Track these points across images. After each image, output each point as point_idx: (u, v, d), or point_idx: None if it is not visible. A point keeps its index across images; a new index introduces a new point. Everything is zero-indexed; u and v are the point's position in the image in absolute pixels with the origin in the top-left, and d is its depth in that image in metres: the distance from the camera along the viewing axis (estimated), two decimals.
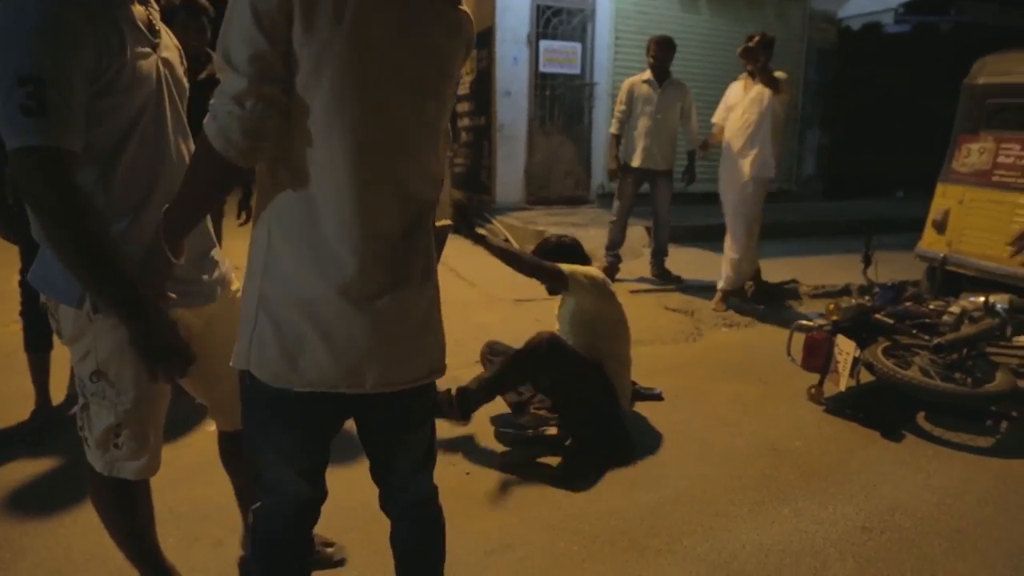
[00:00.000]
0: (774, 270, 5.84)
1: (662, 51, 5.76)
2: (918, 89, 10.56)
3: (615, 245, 6.03)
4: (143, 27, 1.61)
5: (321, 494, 1.55)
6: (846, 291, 5.63)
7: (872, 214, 8.81)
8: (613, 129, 5.95)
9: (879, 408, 3.45)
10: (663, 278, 5.97)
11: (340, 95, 1.27)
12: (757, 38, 4.86)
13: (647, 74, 5.81)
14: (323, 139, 1.28)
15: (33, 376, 3.31)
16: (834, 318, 3.51)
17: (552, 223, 7.63)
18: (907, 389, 3.28)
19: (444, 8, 1.37)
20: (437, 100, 1.41)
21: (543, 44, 8.24)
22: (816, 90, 10.07)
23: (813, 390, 3.57)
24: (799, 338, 3.63)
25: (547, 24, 8.27)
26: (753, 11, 9.13)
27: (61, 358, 3.30)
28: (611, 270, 5.97)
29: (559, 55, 8.31)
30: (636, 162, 5.84)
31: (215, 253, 1.86)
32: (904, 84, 10.66)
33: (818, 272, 6.20)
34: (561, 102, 8.54)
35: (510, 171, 8.42)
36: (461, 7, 1.42)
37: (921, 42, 11.00)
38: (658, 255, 6.06)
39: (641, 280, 6.01)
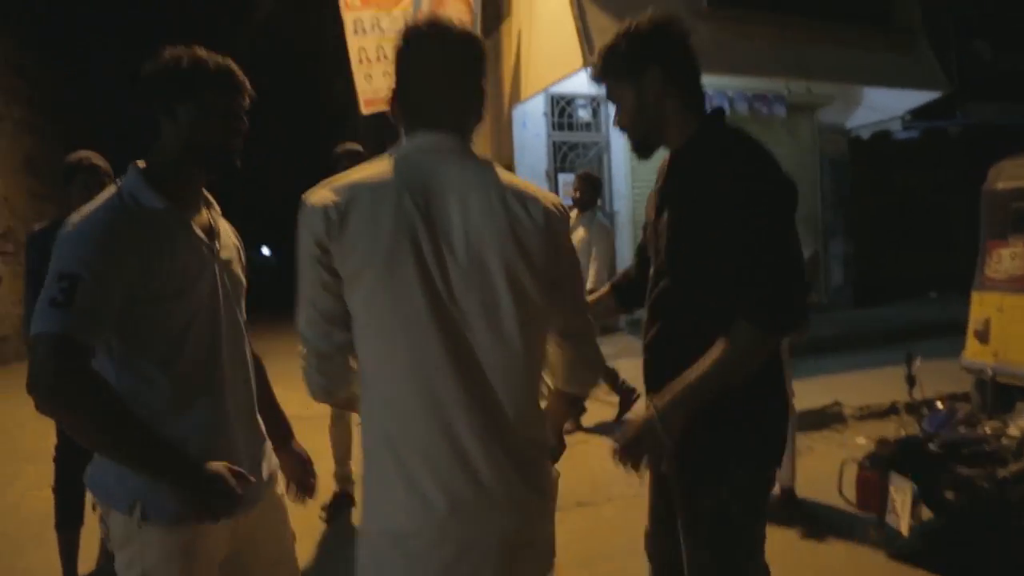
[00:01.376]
0: (812, 391, 5.70)
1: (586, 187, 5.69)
2: (934, 190, 10.68)
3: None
4: (202, 233, 1.71)
5: None
6: (893, 410, 5.47)
7: (907, 319, 8.71)
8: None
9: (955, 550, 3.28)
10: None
11: (386, 329, 1.35)
12: None
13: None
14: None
15: (62, 554, 3.33)
16: (884, 453, 3.40)
17: None
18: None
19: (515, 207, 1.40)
20: (518, 307, 1.38)
21: (561, 177, 8.50)
22: (833, 200, 10.20)
23: (874, 532, 3.41)
24: (850, 473, 3.51)
25: (564, 159, 8.57)
26: (764, 128, 9.36)
27: (90, 531, 3.32)
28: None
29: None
30: None
31: (267, 447, 1.87)
32: (920, 186, 10.80)
33: (860, 390, 6.04)
34: None
35: None
36: (541, 202, 1.43)
37: (931, 145, 11.21)
38: None
39: None
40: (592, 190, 5.74)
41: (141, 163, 1.67)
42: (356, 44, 7.99)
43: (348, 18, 7.98)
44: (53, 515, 3.33)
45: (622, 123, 1.86)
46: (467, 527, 1.35)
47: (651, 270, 1.90)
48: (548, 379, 1.60)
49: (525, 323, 1.38)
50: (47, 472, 3.50)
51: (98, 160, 3.38)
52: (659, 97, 1.76)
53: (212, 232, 1.74)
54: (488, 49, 7.26)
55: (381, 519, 1.38)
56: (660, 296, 1.83)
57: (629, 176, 8.74)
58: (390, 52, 7.45)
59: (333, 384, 1.43)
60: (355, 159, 4.16)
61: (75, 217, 1.57)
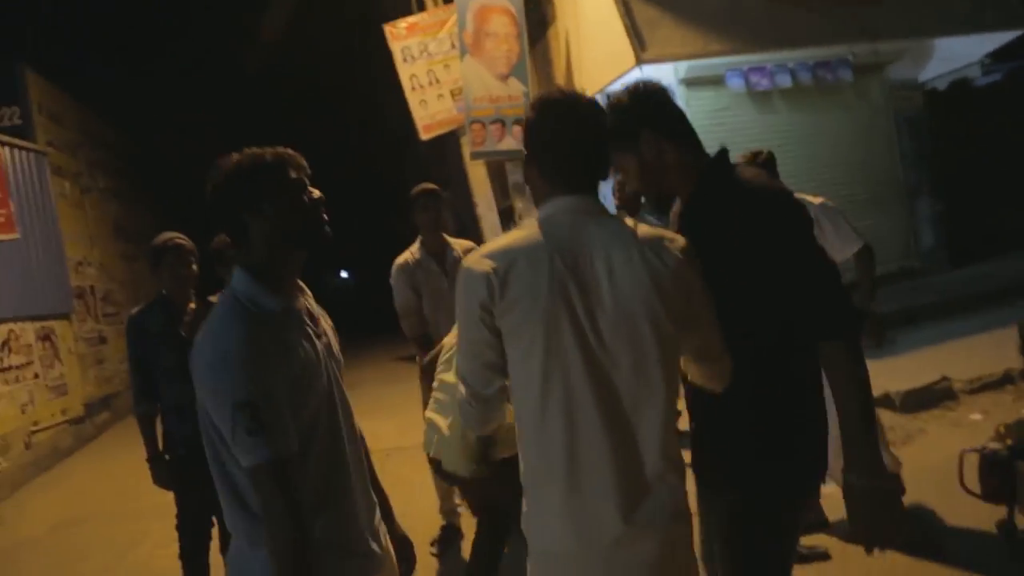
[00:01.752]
0: (914, 367, 5.45)
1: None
2: None
3: None
4: (308, 319, 1.77)
5: None
6: (1008, 379, 5.18)
7: (1010, 277, 8.21)
8: None
9: None
10: None
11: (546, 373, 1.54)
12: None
13: None
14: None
15: None
16: (1009, 441, 3.20)
17: None
18: None
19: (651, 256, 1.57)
20: (661, 348, 1.56)
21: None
22: (913, 159, 9.71)
23: (1003, 525, 3.22)
24: (971, 462, 3.31)
25: None
26: (829, 96, 9.03)
27: None
28: None
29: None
30: None
31: (379, 516, 1.91)
32: (1009, 133, 10.15)
33: (967, 360, 5.71)
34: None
35: None
36: (673, 249, 1.60)
37: (1017, 87, 10.53)
38: None
39: None
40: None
41: (242, 265, 1.70)
42: (407, 72, 8.10)
43: (396, 48, 8.10)
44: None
45: (634, 187, 2.03)
46: (612, 551, 1.52)
47: None
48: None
49: (666, 361, 1.57)
50: (172, 527, 3.68)
51: (183, 240, 3.53)
52: (657, 155, 1.89)
53: (313, 319, 1.80)
54: (536, 57, 7.23)
55: (541, 542, 1.60)
56: None
57: None
58: (441, 75, 7.55)
59: (489, 420, 1.73)
60: (433, 199, 4.20)
61: (209, 339, 1.61)
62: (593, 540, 1.52)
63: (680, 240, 1.65)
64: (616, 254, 1.55)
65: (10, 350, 8.56)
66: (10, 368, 8.50)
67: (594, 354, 1.53)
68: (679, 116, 1.95)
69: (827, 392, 1.83)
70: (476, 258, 1.59)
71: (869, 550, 1.73)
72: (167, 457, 3.52)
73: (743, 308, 1.76)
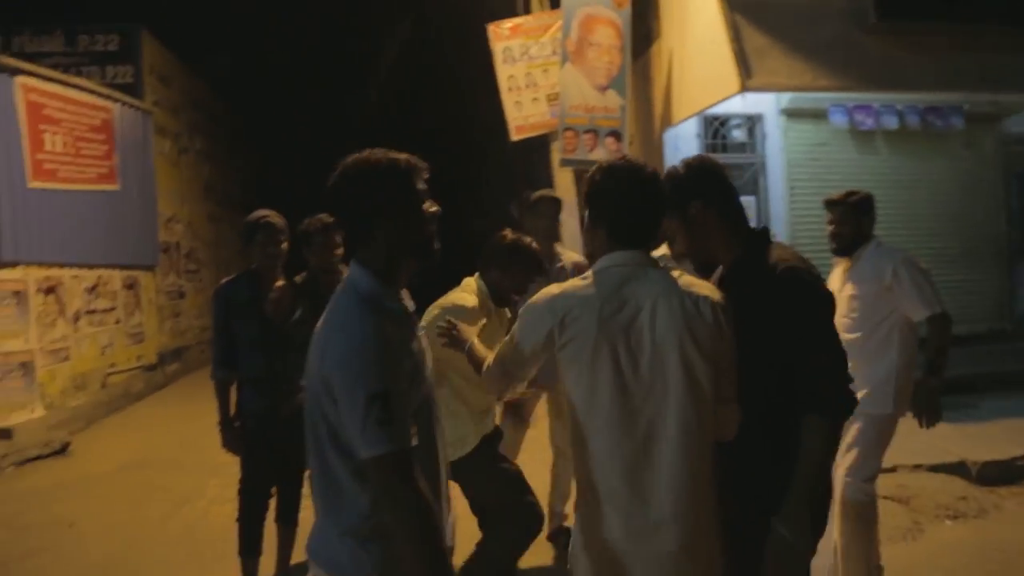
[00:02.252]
0: (996, 437, 5.21)
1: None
2: None
3: None
4: (415, 320, 1.85)
5: None
6: None
7: None
8: None
9: None
10: None
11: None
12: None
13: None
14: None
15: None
16: None
17: None
18: None
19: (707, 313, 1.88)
20: (689, 385, 1.86)
21: None
22: (1020, 217, 9.28)
23: None
24: None
25: None
26: (935, 143, 8.69)
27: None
28: None
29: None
30: None
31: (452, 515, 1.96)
32: None
33: None
34: None
35: None
36: (710, 300, 1.89)
37: None
38: None
39: None
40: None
41: (361, 264, 1.75)
42: (506, 72, 8.14)
43: (498, 48, 8.14)
44: (235, 534, 3.63)
45: (680, 250, 2.44)
46: (641, 547, 1.84)
47: None
48: None
49: (695, 398, 1.85)
50: (229, 486, 3.81)
51: (275, 219, 3.63)
52: (702, 225, 2.16)
53: (415, 319, 1.88)
54: (637, 72, 7.16)
55: (592, 531, 1.89)
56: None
57: (787, 198, 8.35)
58: (539, 79, 7.57)
59: (505, 394, 2.58)
60: (552, 206, 4.28)
61: (340, 331, 1.66)
62: (625, 537, 1.84)
63: (716, 293, 1.93)
64: (660, 303, 1.85)
65: (97, 294, 8.98)
66: (95, 311, 8.91)
67: (630, 391, 1.84)
68: (730, 193, 2.20)
69: None
70: (547, 299, 1.93)
71: None
72: (236, 424, 3.64)
73: (759, 368, 2.01)
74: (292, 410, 3.27)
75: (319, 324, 1.74)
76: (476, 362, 2.38)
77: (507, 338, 2.08)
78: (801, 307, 2.03)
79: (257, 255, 3.63)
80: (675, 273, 1.93)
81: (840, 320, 3.14)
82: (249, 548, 3.61)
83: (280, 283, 3.68)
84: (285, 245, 3.68)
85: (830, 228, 3.56)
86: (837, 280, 3.61)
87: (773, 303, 2.04)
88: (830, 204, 3.58)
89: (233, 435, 3.60)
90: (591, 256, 2.21)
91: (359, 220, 1.74)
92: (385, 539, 1.68)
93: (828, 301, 2.12)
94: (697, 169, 2.20)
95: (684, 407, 1.84)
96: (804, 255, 2.21)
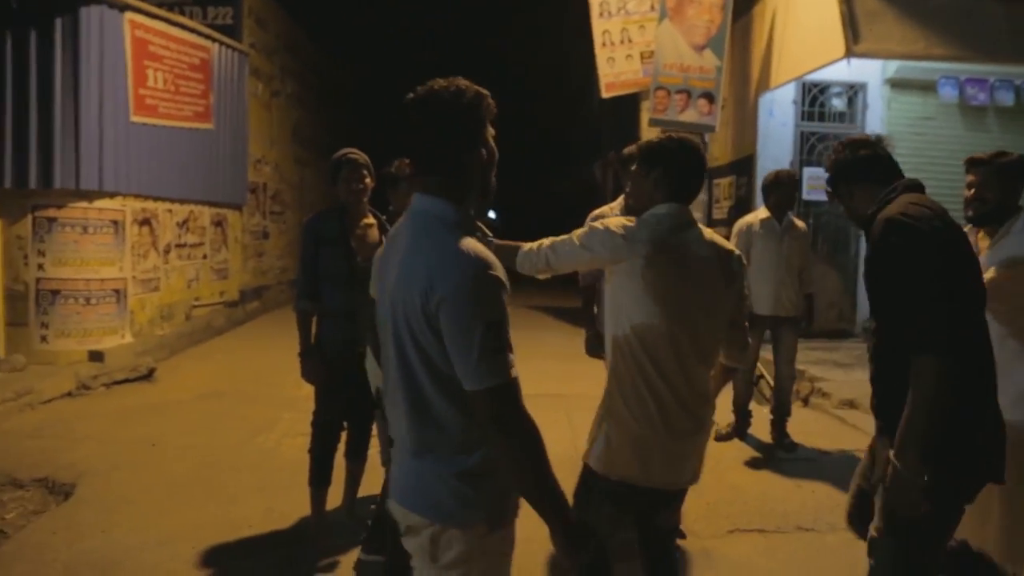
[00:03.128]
0: None
1: (780, 189, 5.16)
2: None
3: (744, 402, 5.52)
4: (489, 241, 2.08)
5: None
6: None
7: None
8: None
9: None
10: (783, 446, 5.24)
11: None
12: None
13: (763, 212, 5.25)
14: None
15: (313, 505, 3.74)
16: None
17: (812, 360, 7.14)
18: None
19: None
20: (719, 314, 2.49)
21: (807, 171, 7.95)
22: None
23: None
24: None
25: (811, 150, 8.00)
26: None
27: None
28: (742, 432, 5.50)
29: (824, 182, 7.94)
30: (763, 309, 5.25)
31: None
32: None
33: None
34: (826, 230, 8.13)
35: None
36: (734, 254, 2.53)
37: None
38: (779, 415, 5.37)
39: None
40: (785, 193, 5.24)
41: (449, 199, 1.71)
42: (601, 27, 7.98)
43: (595, 1, 7.97)
44: (306, 465, 3.73)
45: (634, 204, 2.77)
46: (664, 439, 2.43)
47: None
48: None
49: (719, 330, 2.50)
50: (301, 420, 3.92)
51: (357, 155, 3.66)
52: (848, 198, 2.47)
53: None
54: (736, 33, 6.91)
55: (623, 426, 2.45)
56: (873, 334, 2.41)
57: None
58: (635, 35, 7.41)
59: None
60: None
61: (455, 262, 1.59)
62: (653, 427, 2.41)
63: (737, 252, 2.54)
64: (704, 246, 2.44)
65: (188, 229, 9.32)
66: (185, 245, 9.26)
67: (679, 311, 2.37)
68: (883, 165, 2.39)
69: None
70: (622, 224, 2.43)
71: (898, 521, 2.17)
72: (316, 356, 3.72)
73: (886, 312, 2.26)
74: (371, 345, 3.33)
75: (402, 252, 1.70)
76: (508, 248, 2.60)
77: (568, 237, 2.51)
78: (894, 259, 2.16)
79: (343, 191, 3.67)
80: (707, 230, 2.53)
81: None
82: (319, 479, 3.71)
83: (367, 220, 3.72)
84: (369, 181, 3.71)
85: (969, 193, 3.04)
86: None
87: (876, 256, 2.23)
88: (973, 164, 3.05)
89: (314, 365, 3.67)
90: (641, 204, 2.56)
91: (454, 154, 1.71)
92: (495, 475, 1.68)
93: (927, 249, 2.13)
94: (866, 148, 2.42)
95: (714, 342, 2.50)
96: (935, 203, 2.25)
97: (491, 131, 1.76)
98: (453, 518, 1.67)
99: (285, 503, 4.13)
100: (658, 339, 2.36)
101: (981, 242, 3.08)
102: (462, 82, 1.71)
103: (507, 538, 1.77)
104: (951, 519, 2.25)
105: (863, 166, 2.41)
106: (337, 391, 3.67)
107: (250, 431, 5.53)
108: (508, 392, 1.58)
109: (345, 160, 3.65)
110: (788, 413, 5.38)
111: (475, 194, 1.76)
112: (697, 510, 4.09)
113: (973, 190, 3.01)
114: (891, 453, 2.11)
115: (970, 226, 3.10)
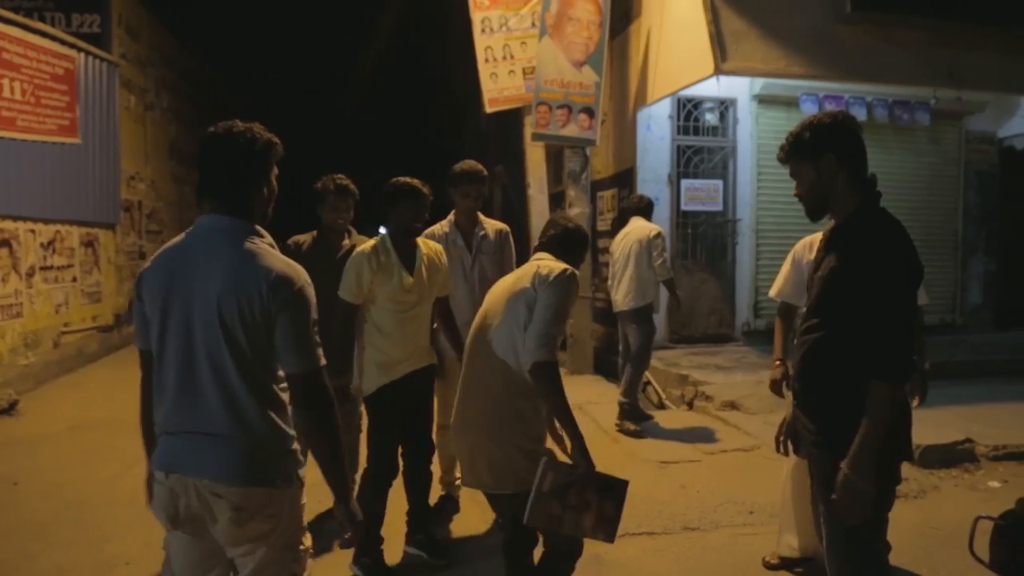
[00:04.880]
0: (940, 423, 5.35)
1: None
2: None
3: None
4: None
5: None
6: None
7: None
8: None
9: None
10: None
11: None
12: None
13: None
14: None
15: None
16: None
17: (695, 364, 7.44)
18: None
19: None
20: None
21: (684, 183, 8.30)
22: (977, 214, 9.50)
23: None
24: (984, 529, 3.24)
25: (688, 163, 8.36)
26: (901, 137, 8.84)
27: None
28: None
29: (701, 193, 8.32)
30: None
31: None
32: None
33: (996, 425, 5.60)
34: (703, 239, 8.49)
35: None
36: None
37: None
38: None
39: None
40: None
41: (229, 215, 2.09)
42: (484, 43, 8.07)
43: (476, 17, 8.06)
44: None
45: (800, 194, 2.42)
46: None
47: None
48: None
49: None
50: None
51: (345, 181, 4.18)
52: (831, 177, 2.32)
53: None
54: (614, 50, 7.15)
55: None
56: (808, 331, 2.41)
57: (754, 183, 8.43)
58: (516, 51, 7.55)
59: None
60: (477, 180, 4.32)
61: (277, 270, 2.02)
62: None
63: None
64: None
65: (54, 251, 8.77)
66: (51, 268, 8.70)
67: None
68: (862, 153, 2.34)
69: None
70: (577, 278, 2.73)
71: (841, 522, 2.28)
72: None
73: (847, 322, 2.26)
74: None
75: (200, 260, 2.04)
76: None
77: (544, 318, 2.61)
78: (891, 278, 2.19)
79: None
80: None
81: None
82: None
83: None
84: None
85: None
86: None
87: (853, 266, 2.24)
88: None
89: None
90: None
91: (232, 182, 2.10)
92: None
93: (917, 275, 2.24)
94: (840, 124, 2.34)
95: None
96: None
97: (275, 171, 2.14)
98: (289, 479, 2.06)
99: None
100: None
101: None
102: (257, 128, 2.06)
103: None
104: (888, 505, 2.49)
105: (862, 154, 2.36)
106: None
107: (126, 463, 5.23)
108: (322, 374, 2.04)
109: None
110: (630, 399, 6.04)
111: (255, 220, 2.10)
112: None
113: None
114: (844, 465, 2.20)
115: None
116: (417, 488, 3.78)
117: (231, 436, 1.98)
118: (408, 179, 3.56)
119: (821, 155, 2.30)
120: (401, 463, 3.72)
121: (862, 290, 2.21)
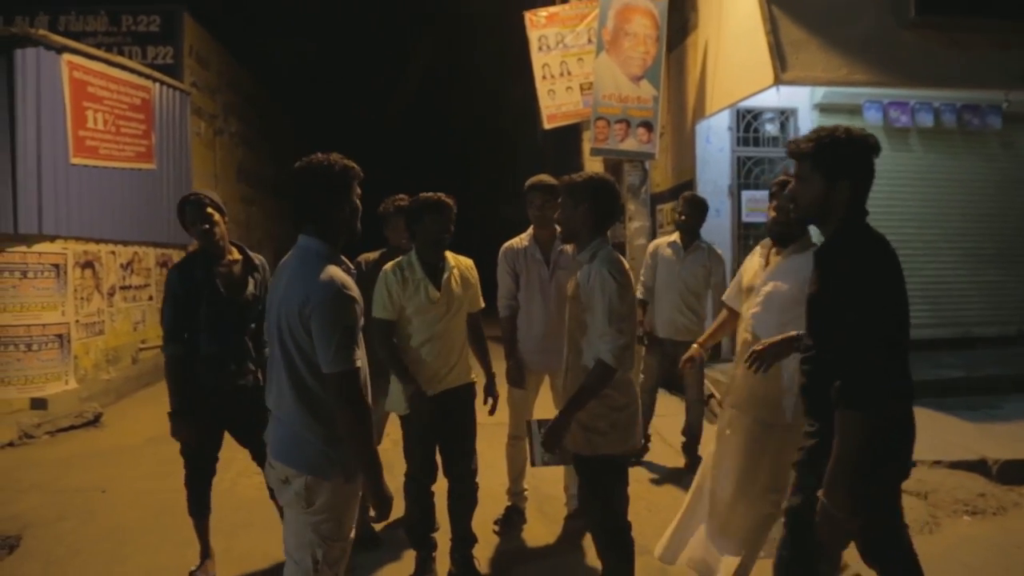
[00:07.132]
0: (1018, 438, 5.15)
1: (692, 211, 5.47)
2: None
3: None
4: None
5: None
6: None
7: None
8: (639, 294, 5.43)
9: None
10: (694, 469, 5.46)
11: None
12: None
13: (674, 236, 5.60)
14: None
15: (199, 533, 3.79)
16: None
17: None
18: None
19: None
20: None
21: (745, 194, 8.23)
22: None
23: None
24: None
25: (748, 174, 8.29)
26: (971, 142, 8.57)
27: None
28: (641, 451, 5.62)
29: (762, 204, 8.22)
30: (661, 332, 5.53)
31: None
32: None
33: None
34: None
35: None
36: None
37: None
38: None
39: None
40: (699, 214, 5.53)
41: (316, 238, 2.46)
42: (541, 60, 8.18)
43: (533, 36, 8.18)
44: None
45: (799, 203, 2.38)
46: None
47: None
48: None
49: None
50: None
51: (200, 195, 3.67)
52: (838, 202, 2.28)
53: None
54: (671, 63, 7.16)
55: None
56: (807, 354, 2.40)
57: None
58: (573, 67, 7.62)
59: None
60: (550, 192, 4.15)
61: (322, 283, 2.32)
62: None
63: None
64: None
65: (132, 271, 9.17)
66: (130, 287, 9.10)
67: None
68: (871, 181, 2.32)
69: None
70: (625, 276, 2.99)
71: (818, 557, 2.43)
72: None
73: (828, 344, 2.25)
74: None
75: (287, 275, 2.41)
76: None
77: (612, 315, 2.93)
78: (842, 299, 2.18)
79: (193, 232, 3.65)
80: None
81: None
82: (198, 510, 3.83)
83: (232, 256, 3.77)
84: (218, 219, 3.65)
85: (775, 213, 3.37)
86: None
87: (826, 291, 2.24)
88: (780, 187, 3.37)
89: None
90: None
91: (315, 204, 2.46)
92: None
93: (874, 295, 2.17)
94: (863, 152, 2.27)
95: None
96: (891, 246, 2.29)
97: (357, 192, 2.45)
98: (320, 470, 2.33)
99: (243, 542, 4.10)
100: None
101: (773, 257, 3.36)
102: (335, 156, 2.41)
103: (356, 489, 2.44)
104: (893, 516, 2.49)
105: (871, 182, 2.33)
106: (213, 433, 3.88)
107: None
108: (352, 376, 2.26)
109: (188, 201, 3.61)
110: (698, 435, 5.49)
111: (343, 237, 2.43)
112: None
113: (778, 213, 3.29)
114: (820, 492, 2.21)
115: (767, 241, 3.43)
116: (457, 512, 3.72)
117: (278, 420, 2.43)
118: (433, 193, 3.60)
119: (837, 178, 2.27)
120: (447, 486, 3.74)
121: (833, 315, 2.21)
